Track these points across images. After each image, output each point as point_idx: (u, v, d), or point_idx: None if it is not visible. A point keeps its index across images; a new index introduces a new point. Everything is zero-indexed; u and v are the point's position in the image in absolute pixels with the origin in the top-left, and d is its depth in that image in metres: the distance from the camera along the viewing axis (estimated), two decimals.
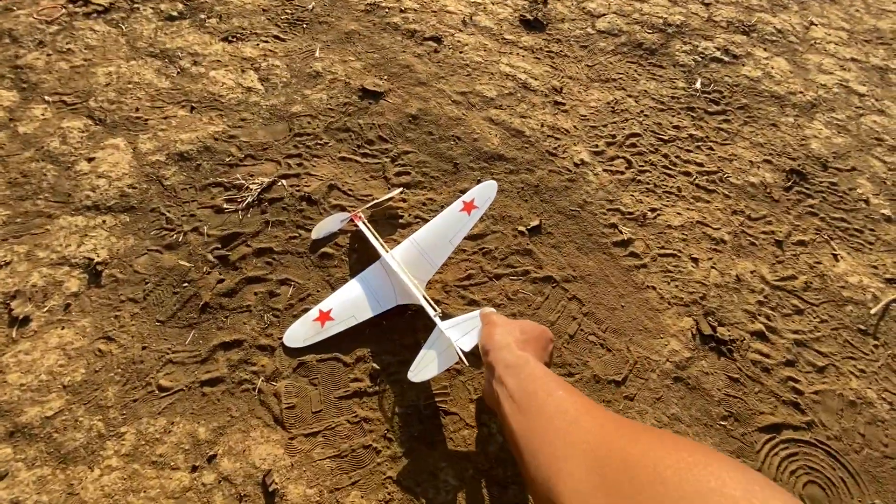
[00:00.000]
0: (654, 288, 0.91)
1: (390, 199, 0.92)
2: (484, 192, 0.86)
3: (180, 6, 1.19)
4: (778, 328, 0.89)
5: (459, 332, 0.69)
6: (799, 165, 1.16)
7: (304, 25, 1.21)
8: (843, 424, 0.81)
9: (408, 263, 0.80)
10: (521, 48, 1.29)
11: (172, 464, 0.65)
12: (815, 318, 0.93)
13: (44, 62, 1.05)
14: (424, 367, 0.68)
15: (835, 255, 1.02)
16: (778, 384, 0.83)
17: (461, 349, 0.67)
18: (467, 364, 0.68)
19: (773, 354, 0.86)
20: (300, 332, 0.76)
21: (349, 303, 0.78)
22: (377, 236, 0.83)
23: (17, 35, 1.09)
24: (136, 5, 1.17)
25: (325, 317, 0.76)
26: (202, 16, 1.18)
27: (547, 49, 1.30)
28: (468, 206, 0.85)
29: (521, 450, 0.49)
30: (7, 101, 0.98)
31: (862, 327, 0.93)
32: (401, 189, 0.94)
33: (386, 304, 0.78)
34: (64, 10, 1.15)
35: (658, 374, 0.81)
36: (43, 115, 0.97)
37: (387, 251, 0.81)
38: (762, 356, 0.86)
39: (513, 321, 0.67)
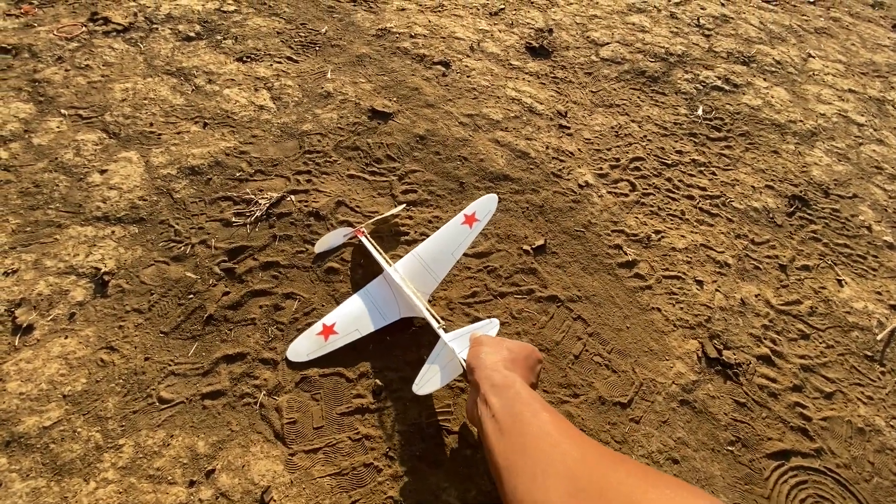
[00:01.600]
0: (658, 309, 0.90)
1: (393, 215, 0.93)
2: (485, 206, 0.87)
3: (198, 27, 1.23)
4: (784, 353, 0.89)
5: (463, 344, 0.69)
6: (801, 192, 1.17)
7: (317, 48, 1.25)
8: (853, 452, 0.79)
9: (411, 276, 0.80)
10: (526, 74, 1.32)
11: (170, 478, 0.64)
12: (821, 343, 0.92)
13: (62, 77, 1.07)
14: (429, 380, 0.67)
15: (839, 281, 1.02)
16: (785, 409, 0.82)
17: (465, 360, 0.67)
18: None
19: (780, 379, 0.85)
20: (304, 347, 0.75)
21: (353, 316, 0.77)
22: (380, 250, 0.83)
23: (36, 50, 1.12)
24: (154, 26, 1.21)
25: (328, 331, 0.76)
26: (218, 37, 1.22)
27: (552, 75, 1.33)
28: (469, 220, 0.85)
29: (501, 469, 0.49)
30: (24, 113, 1.00)
31: (868, 353, 0.92)
32: (404, 205, 0.95)
33: (390, 318, 0.78)
34: (84, 29, 1.18)
35: (664, 396, 0.80)
36: (58, 127, 0.98)
37: (390, 265, 0.81)
38: (769, 381, 0.85)
39: (500, 340, 0.66)
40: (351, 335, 0.76)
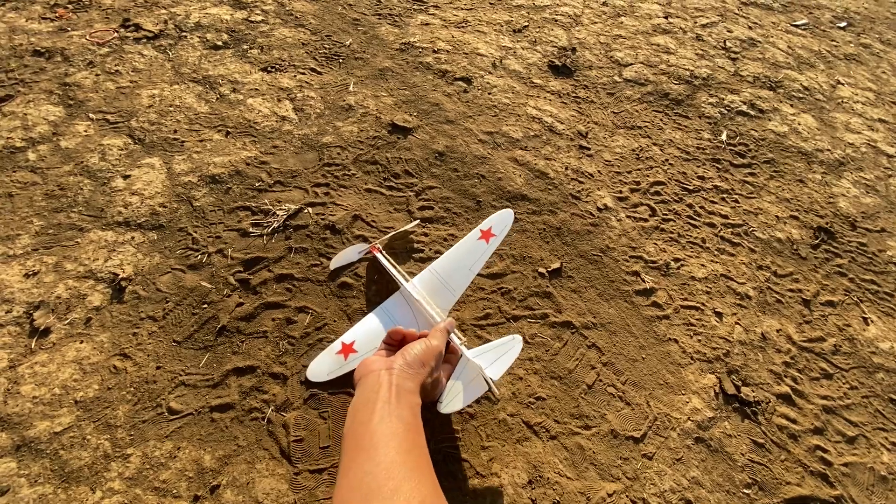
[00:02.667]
0: (676, 341, 0.88)
1: (407, 231, 0.92)
2: (501, 221, 0.85)
3: (225, 37, 1.25)
4: (805, 392, 0.86)
5: (487, 361, 0.68)
6: (827, 223, 1.14)
7: (341, 60, 1.26)
8: (874, 501, 0.76)
9: (429, 292, 0.79)
10: (548, 92, 1.31)
11: (174, 491, 0.64)
12: (844, 383, 0.89)
13: (92, 81, 1.10)
14: (453, 399, 0.66)
15: (865, 319, 0.99)
16: (805, 453, 0.79)
17: (490, 378, 0.66)
18: (497, 393, 0.67)
19: (801, 420, 0.82)
20: (324, 367, 0.74)
21: (372, 334, 0.76)
22: (396, 267, 0.83)
23: (68, 54, 1.14)
24: (184, 34, 1.23)
25: (348, 349, 0.74)
26: (245, 46, 1.23)
27: (574, 94, 1.32)
28: (486, 235, 0.84)
29: (343, 445, 0.55)
30: (53, 115, 1.02)
31: (894, 396, 0.89)
32: (418, 221, 0.95)
33: None
34: (116, 35, 1.21)
35: (679, 432, 0.78)
36: (85, 131, 1.00)
37: (407, 280, 0.80)
38: (789, 421, 0.82)
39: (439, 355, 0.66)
40: (371, 353, 0.75)
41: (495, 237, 0.84)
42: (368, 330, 0.77)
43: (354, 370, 0.65)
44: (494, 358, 0.69)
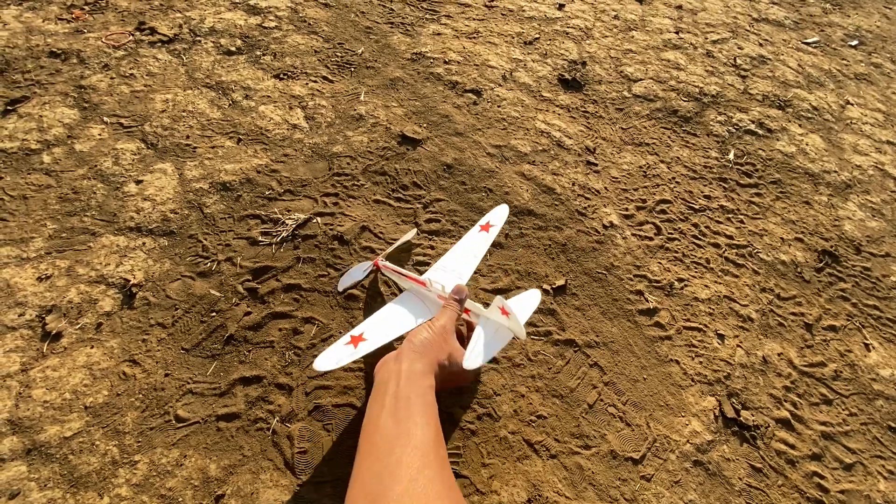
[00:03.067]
0: (677, 362, 0.89)
1: (407, 242, 0.93)
2: (497, 214, 0.91)
3: (239, 42, 1.26)
4: (805, 417, 0.87)
5: (516, 308, 0.69)
6: (832, 247, 1.15)
7: (352, 69, 1.27)
8: None
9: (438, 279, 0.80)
10: (557, 106, 1.32)
11: (180, 499, 0.65)
12: (843, 410, 0.89)
13: (107, 85, 1.11)
14: (479, 352, 0.66)
15: (867, 345, 0.99)
16: (803, 479, 0.80)
17: (514, 315, 0.66)
18: (524, 338, 0.70)
19: (799, 446, 0.83)
20: (332, 357, 0.70)
21: (382, 323, 0.75)
22: (403, 271, 0.82)
23: (84, 57, 1.16)
24: (198, 38, 1.24)
25: (357, 339, 0.72)
26: (258, 52, 1.25)
27: (583, 109, 1.33)
28: (485, 228, 0.89)
29: (360, 441, 0.56)
30: (68, 118, 1.04)
31: (893, 424, 0.89)
32: (415, 231, 0.95)
33: (422, 320, 0.75)
34: (131, 38, 1.22)
35: (677, 455, 0.78)
36: (100, 135, 1.02)
37: (420, 274, 0.81)
38: (787, 446, 0.83)
39: (452, 342, 0.68)
40: (381, 339, 0.73)
41: (494, 226, 0.89)
42: (378, 321, 0.75)
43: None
44: (515, 307, 0.70)
